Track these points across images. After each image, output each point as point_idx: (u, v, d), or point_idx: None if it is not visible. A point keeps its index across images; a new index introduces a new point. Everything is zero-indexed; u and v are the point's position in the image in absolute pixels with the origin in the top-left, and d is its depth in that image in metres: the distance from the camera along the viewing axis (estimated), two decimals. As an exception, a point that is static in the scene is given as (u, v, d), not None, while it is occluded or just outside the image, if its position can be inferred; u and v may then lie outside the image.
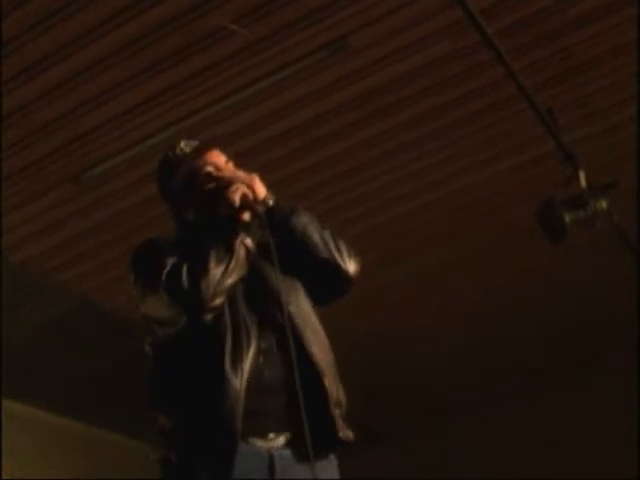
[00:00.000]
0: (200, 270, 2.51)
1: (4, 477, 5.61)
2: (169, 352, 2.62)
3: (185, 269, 2.51)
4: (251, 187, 2.66)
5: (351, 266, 2.78)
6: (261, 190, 2.70)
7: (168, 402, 2.59)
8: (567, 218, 3.77)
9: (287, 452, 2.51)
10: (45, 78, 3.85)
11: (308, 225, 2.76)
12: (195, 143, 2.89)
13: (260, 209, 2.65)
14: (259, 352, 2.54)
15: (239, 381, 2.47)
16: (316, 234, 2.76)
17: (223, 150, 2.85)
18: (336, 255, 2.76)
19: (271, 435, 2.51)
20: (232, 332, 2.54)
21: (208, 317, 2.53)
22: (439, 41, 4.01)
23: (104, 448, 6.72)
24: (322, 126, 4.44)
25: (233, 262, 2.56)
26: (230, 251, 2.57)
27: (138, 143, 4.18)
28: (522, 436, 7.52)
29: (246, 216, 2.63)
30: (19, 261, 4.91)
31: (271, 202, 2.71)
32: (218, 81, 4.01)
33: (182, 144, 2.87)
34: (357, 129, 4.51)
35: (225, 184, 2.66)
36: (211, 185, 2.69)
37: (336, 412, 2.58)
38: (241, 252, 2.60)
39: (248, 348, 2.52)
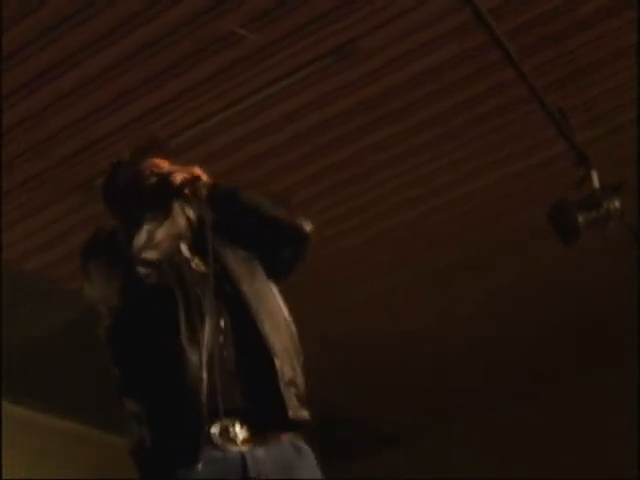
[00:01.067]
0: (133, 226, 2.59)
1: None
2: (122, 334, 2.64)
3: (120, 228, 2.64)
4: (191, 173, 2.76)
5: (304, 222, 2.81)
6: (201, 174, 2.78)
7: (130, 385, 2.61)
8: (580, 219, 3.78)
9: (260, 451, 2.48)
10: (52, 88, 3.89)
11: (253, 196, 2.82)
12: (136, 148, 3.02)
13: (201, 187, 2.73)
14: (217, 330, 2.55)
15: (197, 355, 2.47)
16: (263, 200, 2.82)
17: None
18: (285, 214, 2.81)
19: (239, 435, 2.48)
20: (184, 308, 2.54)
21: (142, 271, 2.54)
22: (446, 44, 4.01)
23: (107, 451, 6.70)
24: (330, 131, 4.45)
25: (168, 221, 2.64)
26: (165, 212, 2.67)
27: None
28: (524, 437, 7.50)
29: (186, 190, 2.72)
30: (26, 270, 4.91)
31: (212, 184, 2.77)
32: (229, 86, 4.02)
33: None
34: (365, 133, 4.52)
35: (166, 174, 2.77)
36: (154, 179, 2.78)
37: (288, 392, 2.55)
38: (179, 218, 2.71)
39: (202, 324, 2.52)
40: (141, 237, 2.56)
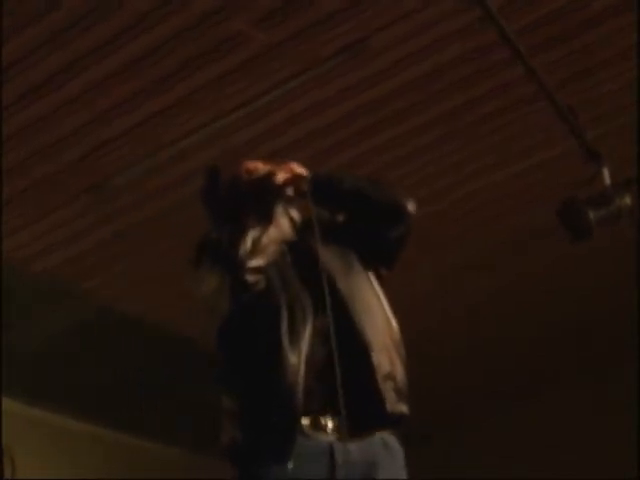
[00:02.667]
0: (239, 233, 2.59)
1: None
2: (227, 334, 2.67)
3: (225, 235, 2.62)
4: (291, 171, 2.75)
5: (406, 200, 2.78)
6: (301, 170, 2.78)
7: (230, 383, 2.64)
8: (592, 216, 3.76)
9: (350, 446, 2.51)
10: (58, 94, 3.92)
11: (352, 179, 2.83)
12: None
13: (304, 184, 2.73)
14: (315, 331, 2.57)
15: (297, 358, 2.51)
16: (362, 181, 2.84)
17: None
18: (388, 193, 2.78)
19: (329, 424, 2.52)
20: (288, 310, 2.58)
21: (251, 279, 2.56)
22: (452, 43, 4.03)
23: (123, 452, 6.71)
24: (332, 133, 4.46)
25: (272, 226, 2.64)
26: (269, 216, 2.66)
27: (156, 152, 4.19)
28: (524, 437, 7.54)
29: (289, 191, 2.73)
30: (39, 270, 4.90)
31: (313, 178, 2.77)
32: (235, 89, 4.04)
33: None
34: (368, 135, 4.54)
35: (266, 175, 2.74)
36: (254, 181, 2.75)
37: (386, 385, 2.57)
38: (282, 220, 2.72)
39: (304, 326, 2.56)
40: (247, 244, 2.57)
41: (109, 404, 6.29)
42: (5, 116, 3.93)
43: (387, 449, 2.59)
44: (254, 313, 2.62)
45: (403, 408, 2.61)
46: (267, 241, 2.61)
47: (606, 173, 3.71)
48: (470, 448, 7.72)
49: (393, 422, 2.60)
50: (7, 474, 5.64)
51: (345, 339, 2.56)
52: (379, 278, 2.84)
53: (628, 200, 3.70)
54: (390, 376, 2.60)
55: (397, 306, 6.14)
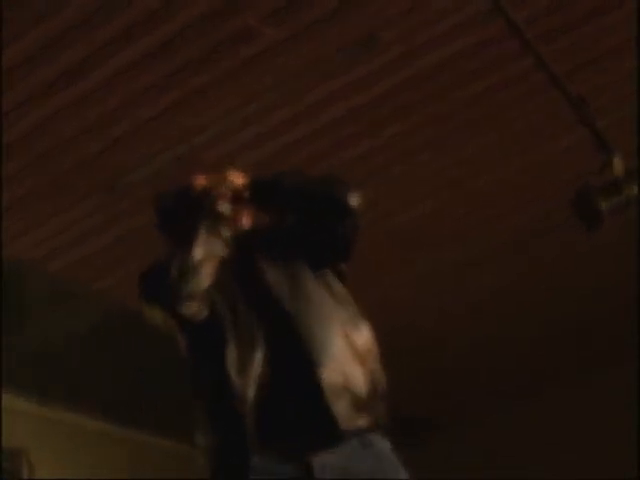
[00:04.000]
0: (167, 261, 2.57)
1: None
2: (189, 360, 2.68)
3: (157, 265, 2.62)
4: (224, 182, 2.72)
5: (350, 195, 2.70)
6: (238, 178, 2.75)
7: (199, 415, 2.62)
8: (603, 205, 3.77)
9: (325, 458, 2.46)
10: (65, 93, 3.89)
11: (292, 178, 2.79)
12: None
13: (243, 191, 2.70)
14: (265, 356, 2.52)
15: (246, 389, 2.46)
16: (303, 181, 2.79)
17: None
18: (329, 189, 2.72)
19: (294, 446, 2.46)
20: (235, 338, 2.54)
21: (187, 311, 2.52)
22: (459, 36, 4.02)
23: (141, 451, 6.71)
24: (341, 128, 4.45)
25: (198, 247, 2.56)
26: (191, 238, 2.58)
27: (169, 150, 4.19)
28: (523, 436, 7.53)
29: (221, 207, 2.67)
30: (53, 270, 4.89)
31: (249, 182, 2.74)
32: (244, 85, 4.03)
33: None
34: (372, 131, 4.53)
35: (199, 193, 2.71)
36: (189, 200, 2.72)
37: (338, 401, 2.48)
38: (211, 239, 2.61)
39: (253, 353, 2.51)
40: (173, 272, 2.52)
41: (124, 403, 6.29)
42: (11, 117, 3.93)
43: (367, 449, 2.51)
44: (200, 345, 2.60)
45: (361, 422, 2.51)
46: (195, 265, 2.54)
47: (617, 162, 3.72)
48: (470, 448, 7.70)
49: (350, 434, 2.50)
50: (25, 475, 5.62)
51: (292, 359, 2.50)
52: (341, 277, 2.78)
53: (636, 189, 3.72)
54: (345, 390, 2.51)
55: (397, 304, 6.14)
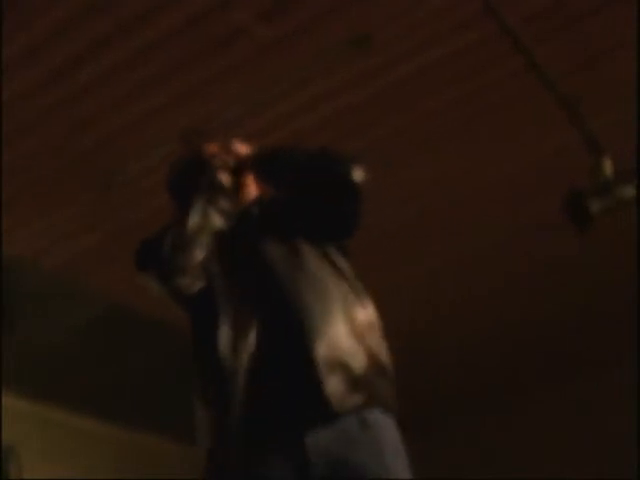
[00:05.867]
0: (163, 231, 2.56)
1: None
2: (191, 336, 2.63)
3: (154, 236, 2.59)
4: (228, 151, 2.72)
5: (353, 170, 2.63)
6: (243, 148, 2.75)
7: (195, 391, 2.59)
8: (593, 207, 3.77)
9: (320, 436, 2.38)
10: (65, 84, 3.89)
11: (295, 151, 2.78)
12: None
13: (247, 162, 2.69)
14: (260, 331, 2.47)
15: (238, 365, 2.42)
16: (306, 154, 2.74)
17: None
18: (332, 163, 2.67)
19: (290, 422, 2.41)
20: (230, 312, 2.50)
21: (181, 282, 2.49)
22: (453, 36, 4.02)
23: (134, 450, 6.72)
24: (335, 127, 4.44)
25: (193, 217, 2.54)
26: (186, 207, 2.57)
27: (163, 146, 4.20)
28: (522, 436, 7.54)
29: (222, 176, 2.65)
30: (46, 267, 4.90)
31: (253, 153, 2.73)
32: (238, 83, 4.03)
33: None
34: (371, 128, 4.52)
35: (203, 160, 2.70)
36: (194, 169, 2.70)
37: (332, 376, 2.39)
38: (208, 210, 2.58)
39: (248, 328, 2.47)
40: (167, 243, 2.51)
41: (120, 402, 6.30)
42: (6, 111, 3.93)
43: (366, 431, 2.41)
44: (196, 320, 2.57)
45: (356, 399, 2.41)
46: (189, 236, 2.51)
47: (608, 163, 3.72)
48: (469, 448, 7.72)
49: (345, 415, 2.40)
50: (14, 474, 5.63)
51: (287, 335, 2.44)
52: (345, 253, 2.72)
53: (631, 191, 3.71)
54: (339, 365, 2.42)
55: (392, 303, 6.14)
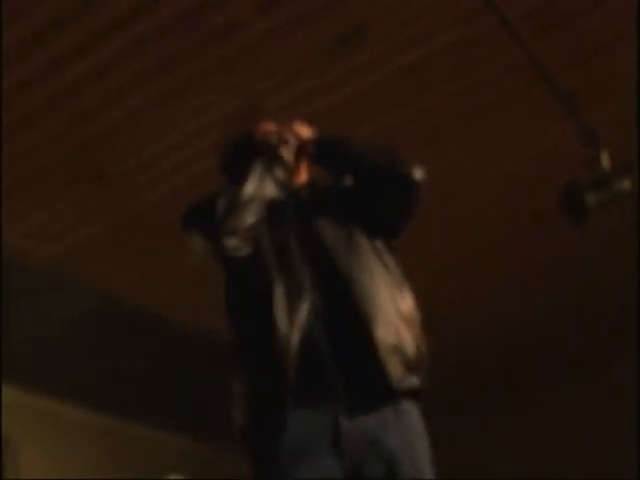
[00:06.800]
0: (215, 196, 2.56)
1: (27, 473, 5.63)
2: (228, 307, 2.62)
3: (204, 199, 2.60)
4: (291, 131, 2.71)
5: (413, 168, 2.66)
6: (305, 130, 2.74)
7: (235, 362, 2.57)
8: (589, 200, 3.78)
9: (354, 419, 2.39)
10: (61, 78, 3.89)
11: (358, 142, 2.79)
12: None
13: (309, 145, 2.68)
14: (312, 305, 2.47)
15: (291, 333, 2.41)
16: (369, 147, 2.76)
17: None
18: (391, 160, 2.68)
19: (334, 400, 2.41)
20: (282, 280, 2.49)
21: (230, 243, 2.49)
22: (450, 29, 4.00)
23: (129, 443, 6.72)
24: (331, 120, 4.41)
25: (249, 184, 2.56)
26: (244, 175, 2.58)
27: (160, 139, 4.20)
28: (522, 436, 7.54)
29: (283, 152, 2.67)
30: (40, 260, 4.91)
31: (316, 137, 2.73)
32: (234, 75, 4.02)
33: None
34: (366, 122, 4.49)
35: (261, 135, 2.70)
36: (252, 143, 2.71)
37: (391, 359, 2.43)
38: (264, 179, 2.60)
39: (300, 299, 2.47)
40: (220, 206, 2.53)
41: (115, 394, 6.30)
42: (5, 102, 3.93)
43: (400, 419, 2.44)
44: (244, 282, 2.56)
45: (413, 381, 2.47)
46: (244, 200, 2.54)
47: (605, 157, 3.72)
48: (469, 448, 7.68)
49: (402, 395, 2.45)
50: (10, 464, 5.64)
51: (344, 313, 2.46)
52: (390, 248, 2.73)
53: (626, 184, 3.71)
54: (397, 349, 2.45)
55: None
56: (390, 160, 2.70)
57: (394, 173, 2.66)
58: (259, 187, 2.60)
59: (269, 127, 2.75)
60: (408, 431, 2.45)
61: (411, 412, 2.49)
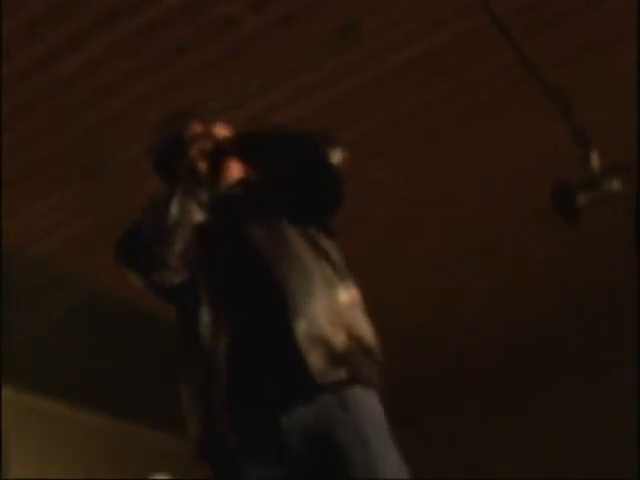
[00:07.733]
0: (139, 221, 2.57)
1: (17, 471, 5.61)
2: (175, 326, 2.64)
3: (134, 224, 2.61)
4: (208, 134, 2.74)
5: (332, 150, 2.64)
6: (223, 131, 2.77)
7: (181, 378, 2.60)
8: (580, 200, 3.76)
9: (298, 416, 2.40)
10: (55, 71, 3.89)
11: (276, 133, 2.81)
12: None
13: (228, 145, 2.71)
14: (242, 313, 2.48)
15: (218, 344, 2.44)
16: (286, 135, 2.78)
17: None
18: (314, 143, 2.68)
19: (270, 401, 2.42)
20: (209, 297, 2.51)
21: (162, 277, 2.51)
22: (443, 27, 4.01)
23: (122, 440, 6.72)
24: (324, 117, 4.40)
25: (174, 206, 2.55)
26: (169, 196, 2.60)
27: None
28: (522, 436, 7.54)
29: (200, 166, 2.67)
30: (35, 254, 4.93)
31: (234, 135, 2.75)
32: (227, 72, 4.03)
33: None
34: (356, 122, 4.50)
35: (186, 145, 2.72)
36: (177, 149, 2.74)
37: (313, 351, 2.39)
38: (184, 201, 2.59)
39: (227, 311, 2.49)
40: (146, 234, 2.53)
41: (108, 392, 6.30)
42: (3, 95, 3.93)
43: (347, 411, 2.40)
44: (179, 310, 2.60)
45: (338, 374, 2.41)
46: (169, 229, 2.53)
47: (594, 157, 3.71)
48: (468, 448, 7.71)
49: (327, 389, 2.40)
50: (4, 464, 5.63)
51: (269, 312, 2.45)
52: (328, 233, 2.71)
53: (618, 184, 3.70)
54: (321, 341, 2.42)
55: (386, 302, 6.12)
56: (304, 145, 2.69)
57: (308, 157, 2.65)
58: (182, 214, 2.57)
59: (197, 129, 2.77)
60: (361, 425, 2.40)
61: (366, 404, 2.45)
